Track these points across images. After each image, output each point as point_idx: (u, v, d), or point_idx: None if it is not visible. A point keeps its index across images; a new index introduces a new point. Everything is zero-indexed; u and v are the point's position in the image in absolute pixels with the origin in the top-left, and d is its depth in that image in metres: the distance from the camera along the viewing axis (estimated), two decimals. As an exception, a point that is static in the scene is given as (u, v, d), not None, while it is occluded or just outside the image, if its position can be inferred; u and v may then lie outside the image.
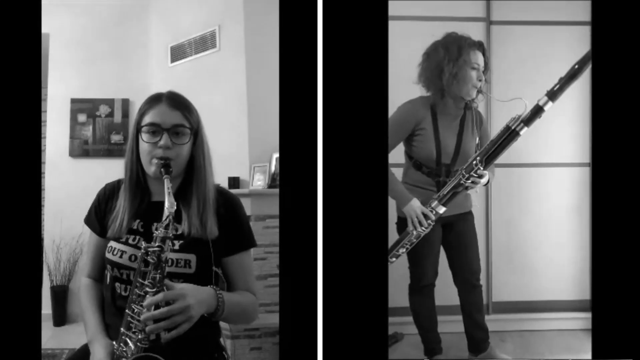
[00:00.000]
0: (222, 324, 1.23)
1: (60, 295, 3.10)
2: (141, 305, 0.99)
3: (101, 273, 1.22)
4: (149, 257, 1.00)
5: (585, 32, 2.22)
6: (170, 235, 1.01)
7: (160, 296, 0.96)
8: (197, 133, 1.14)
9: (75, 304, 3.08)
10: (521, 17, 2.27)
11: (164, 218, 1.01)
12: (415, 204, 1.59)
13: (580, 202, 2.34)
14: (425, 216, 1.57)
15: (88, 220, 1.22)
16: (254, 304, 1.18)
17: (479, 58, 1.59)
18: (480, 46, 1.61)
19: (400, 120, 1.65)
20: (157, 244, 1.00)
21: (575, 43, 2.24)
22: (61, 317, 3.09)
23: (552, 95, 1.38)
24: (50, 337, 2.88)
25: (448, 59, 1.57)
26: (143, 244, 1.03)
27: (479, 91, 1.61)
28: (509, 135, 1.46)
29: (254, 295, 1.20)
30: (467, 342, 1.91)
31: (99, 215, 1.20)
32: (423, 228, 1.58)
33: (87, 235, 1.25)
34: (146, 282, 0.99)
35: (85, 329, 1.15)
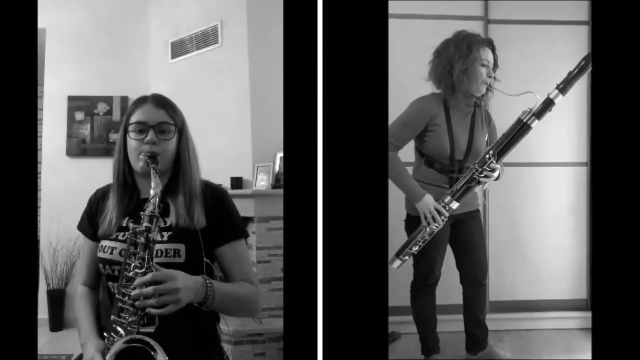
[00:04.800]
0: (224, 328, 1.21)
1: (57, 299, 3.06)
2: (131, 289, 1.00)
3: (96, 280, 1.24)
4: (137, 238, 1.03)
5: (584, 31, 2.22)
6: (157, 213, 1.03)
7: (149, 276, 0.99)
8: (181, 131, 1.20)
9: (73, 309, 3.04)
10: (519, 16, 2.27)
11: (150, 197, 1.05)
12: (429, 200, 1.61)
13: (578, 201, 2.34)
14: (439, 212, 1.59)
15: (81, 226, 1.26)
16: (252, 293, 1.17)
17: (488, 55, 1.64)
18: (490, 43, 1.66)
19: (414, 116, 1.67)
20: (144, 224, 1.02)
21: (574, 42, 2.24)
22: (58, 322, 3.06)
23: (563, 88, 1.45)
24: (47, 342, 2.85)
25: (458, 56, 1.62)
26: (131, 225, 1.05)
27: (488, 88, 1.65)
28: (521, 128, 1.51)
29: (254, 285, 1.19)
30: (465, 340, 1.91)
31: (90, 219, 1.23)
32: (436, 224, 1.60)
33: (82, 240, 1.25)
34: (135, 263, 1.01)
35: (79, 334, 1.15)
